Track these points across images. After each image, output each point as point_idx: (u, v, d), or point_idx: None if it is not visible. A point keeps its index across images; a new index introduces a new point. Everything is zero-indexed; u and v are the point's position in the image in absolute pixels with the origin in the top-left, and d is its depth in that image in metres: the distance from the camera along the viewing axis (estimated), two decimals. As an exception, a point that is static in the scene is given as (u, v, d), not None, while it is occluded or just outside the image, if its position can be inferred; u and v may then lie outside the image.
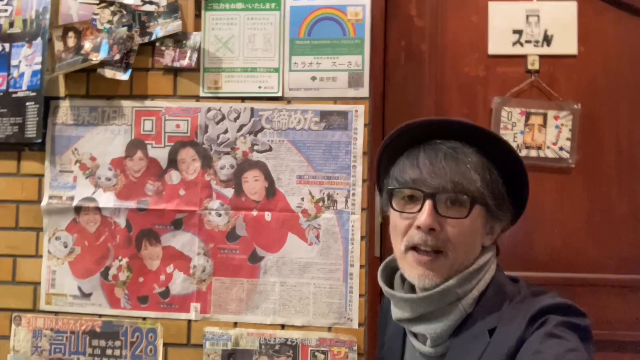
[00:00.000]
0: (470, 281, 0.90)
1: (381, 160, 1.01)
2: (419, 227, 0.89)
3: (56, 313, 1.60)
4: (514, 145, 1.47)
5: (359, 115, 1.51)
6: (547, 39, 1.49)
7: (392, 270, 1.02)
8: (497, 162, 0.93)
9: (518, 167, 0.94)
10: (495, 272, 0.94)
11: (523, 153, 1.48)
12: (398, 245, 0.94)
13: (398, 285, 0.99)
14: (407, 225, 0.91)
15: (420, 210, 0.89)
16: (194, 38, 1.56)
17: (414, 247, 0.91)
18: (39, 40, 1.62)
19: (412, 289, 0.96)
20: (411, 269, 0.92)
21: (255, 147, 1.55)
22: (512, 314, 0.87)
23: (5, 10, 1.66)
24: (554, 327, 0.81)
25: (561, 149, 1.48)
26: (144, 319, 1.57)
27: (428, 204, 0.88)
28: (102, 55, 1.57)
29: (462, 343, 0.89)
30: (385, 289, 0.98)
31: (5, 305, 1.62)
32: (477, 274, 0.91)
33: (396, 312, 0.96)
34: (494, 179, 0.92)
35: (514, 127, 1.49)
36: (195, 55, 1.55)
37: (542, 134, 1.48)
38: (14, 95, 1.63)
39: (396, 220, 0.94)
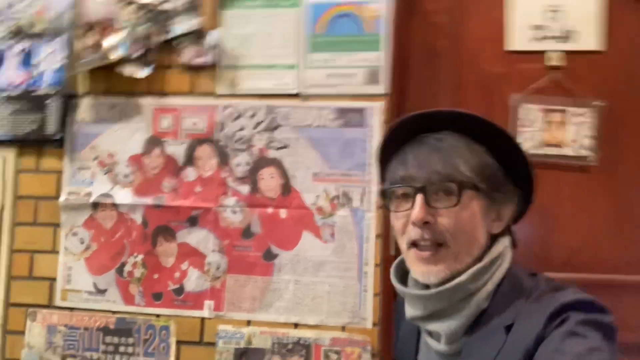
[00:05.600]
0: (482, 276, 0.88)
1: (382, 166, 1.01)
2: (414, 223, 0.89)
3: (71, 309, 1.60)
4: (532, 143, 1.45)
5: (375, 112, 1.50)
6: (568, 34, 1.47)
7: (406, 267, 1.00)
8: (491, 144, 0.91)
9: (512, 146, 0.92)
10: (511, 265, 0.91)
11: (542, 151, 1.46)
12: (401, 245, 0.94)
13: (412, 282, 0.97)
14: (404, 223, 0.91)
15: (413, 206, 0.89)
16: (213, 36, 1.57)
17: (414, 244, 0.90)
18: (60, 39, 1.65)
19: (427, 285, 0.94)
20: (414, 266, 0.91)
21: (272, 144, 1.54)
22: (530, 309, 0.84)
23: (28, 10, 1.69)
24: (576, 325, 0.77)
25: (581, 147, 1.45)
26: (158, 316, 1.56)
27: (419, 198, 0.88)
28: (121, 53, 1.58)
29: (478, 341, 0.86)
30: (397, 286, 0.97)
31: (21, 300, 1.63)
32: (490, 267, 0.89)
33: (409, 310, 0.94)
34: (482, 161, 0.90)
35: (532, 124, 1.46)
36: (213, 53, 1.56)
37: (561, 131, 1.46)
38: (34, 93, 1.65)
39: (394, 221, 0.94)
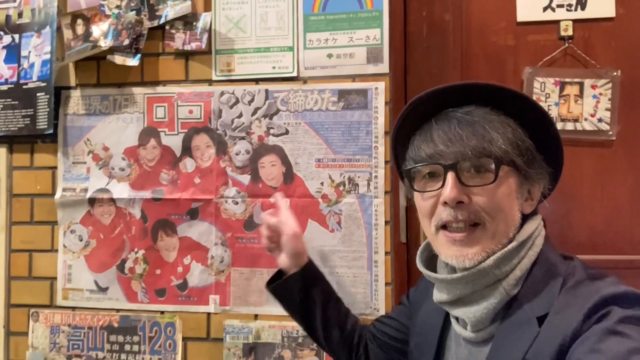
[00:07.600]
0: (510, 260, 0.82)
1: (397, 145, 0.95)
2: (445, 203, 0.83)
3: (73, 308, 1.57)
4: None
5: (379, 93, 1.42)
6: (581, 2, 1.38)
7: (432, 251, 0.95)
8: (521, 119, 0.86)
9: (542, 118, 0.87)
10: (543, 248, 0.85)
11: (559, 126, 1.36)
12: (428, 228, 0.89)
13: (442, 266, 0.93)
14: (432, 204, 0.86)
15: (443, 185, 0.83)
16: (204, 19, 1.50)
17: (444, 226, 0.85)
18: (47, 29, 1.59)
19: (454, 269, 0.89)
20: (445, 249, 0.86)
21: (271, 131, 1.48)
22: (566, 301, 0.78)
23: (14, 0, 1.63)
24: (617, 323, 0.70)
25: (600, 120, 1.37)
26: (162, 312, 1.52)
27: (450, 176, 0.82)
28: (110, 40, 1.52)
29: (508, 330, 0.81)
30: (423, 270, 0.92)
31: (22, 301, 1.60)
32: (518, 251, 0.83)
33: (436, 294, 0.91)
34: (517, 135, 0.85)
35: (547, 98, 1.38)
36: (205, 37, 1.49)
37: (578, 105, 1.37)
38: (24, 87, 1.60)
39: (420, 202, 0.89)
